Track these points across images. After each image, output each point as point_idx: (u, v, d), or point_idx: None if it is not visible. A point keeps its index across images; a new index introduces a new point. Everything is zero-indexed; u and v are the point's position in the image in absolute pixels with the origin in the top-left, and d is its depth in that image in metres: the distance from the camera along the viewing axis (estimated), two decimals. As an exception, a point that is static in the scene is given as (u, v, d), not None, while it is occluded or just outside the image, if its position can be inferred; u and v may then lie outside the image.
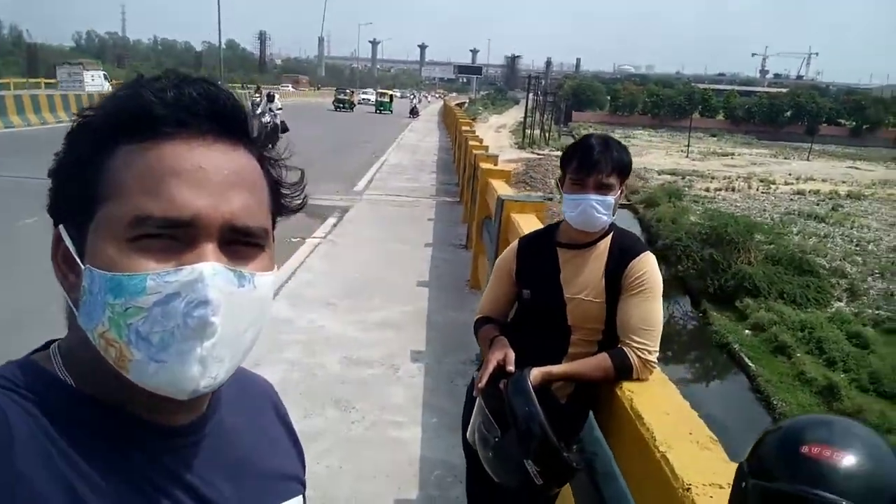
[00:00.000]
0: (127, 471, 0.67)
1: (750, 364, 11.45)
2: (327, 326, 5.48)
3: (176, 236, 0.64)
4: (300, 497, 0.86)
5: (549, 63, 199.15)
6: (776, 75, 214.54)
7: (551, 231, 2.25)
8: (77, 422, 0.65)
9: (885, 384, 10.95)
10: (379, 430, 3.88)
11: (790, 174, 35.98)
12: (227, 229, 0.66)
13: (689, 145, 47.68)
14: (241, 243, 0.68)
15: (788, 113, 72.51)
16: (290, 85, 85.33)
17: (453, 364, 4.91)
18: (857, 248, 20.56)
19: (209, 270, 0.63)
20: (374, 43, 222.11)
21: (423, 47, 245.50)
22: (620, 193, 2.12)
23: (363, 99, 62.12)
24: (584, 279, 2.09)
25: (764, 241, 17.95)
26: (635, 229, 23.18)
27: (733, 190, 29.56)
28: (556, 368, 1.99)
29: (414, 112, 45.82)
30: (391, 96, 53.88)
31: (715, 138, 58.03)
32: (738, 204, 26.19)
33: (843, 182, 34.43)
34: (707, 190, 27.93)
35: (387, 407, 4.18)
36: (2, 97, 21.48)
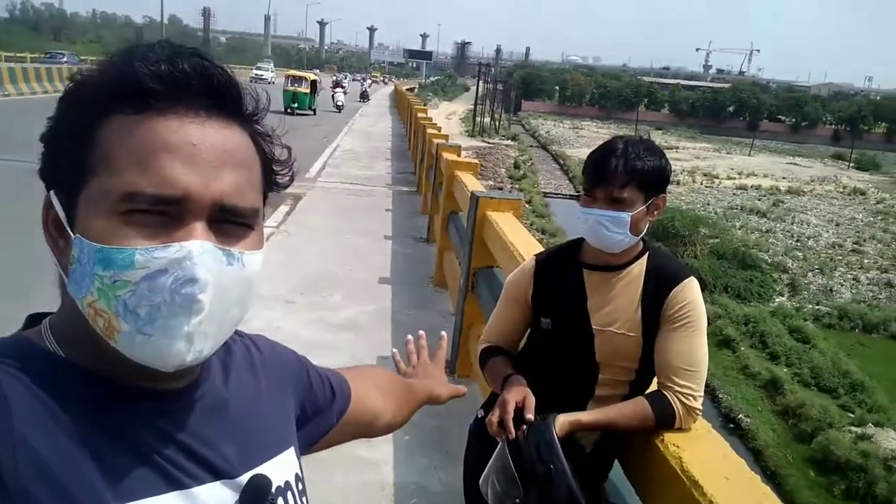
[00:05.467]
0: (121, 435, 0.67)
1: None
2: (285, 327, 5.10)
3: (166, 213, 0.64)
4: (292, 448, 0.88)
5: (498, 51, 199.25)
6: (719, 70, 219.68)
7: (574, 248, 1.92)
8: (68, 390, 0.66)
9: (825, 378, 11.30)
10: (346, 449, 3.50)
11: (733, 169, 36.81)
12: (217, 208, 0.66)
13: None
14: (230, 222, 0.68)
15: (731, 108, 74.16)
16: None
17: (422, 371, 4.59)
18: (798, 244, 21.14)
19: (198, 249, 0.64)
20: (323, 23, 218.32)
21: (372, 30, 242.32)
22: (651, 209, 1.79)
23: (258, 76, 45.21)
24: (615, 308, 1.79)
25: (709, 235, 18.26)
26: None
27: (678, 183, 30.00)
28: (585, 416, 1.70)
29: (364, 96, 44.83)
30: (314, 83, 28.22)
31: (661, 131, 58.85)
32: (683, 197, 26.62)
33: (784, 178, 35.41)
34: (654, 183, 28.21)
35: (354, 421, 3.85)
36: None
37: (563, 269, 1.90)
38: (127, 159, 0.64)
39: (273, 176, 0.78)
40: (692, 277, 1.79)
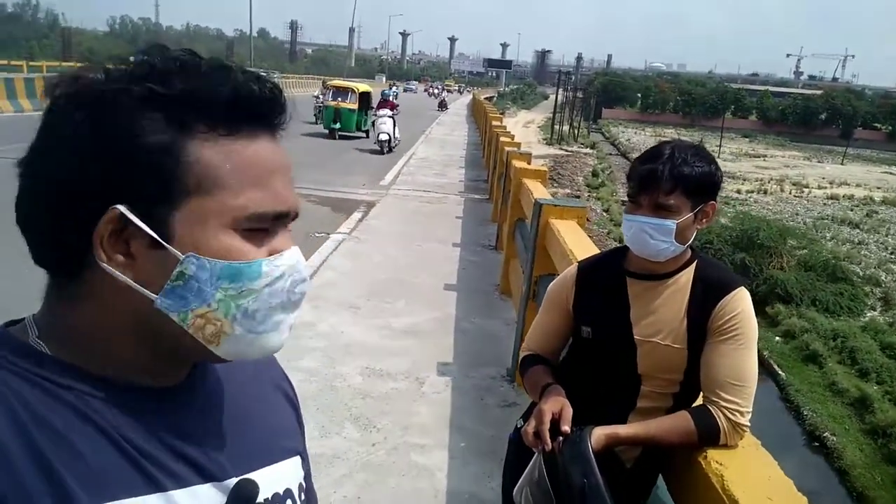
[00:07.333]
0: (107, 435, 0.66)
1: (779, 372, 11.09)
2: (349, 332, 5.16)
3: (269, 225, 0.70)
4: (298, 458, 0.87)
5: (579, 58, 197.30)
6: (811, 77, 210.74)
7: (619, 256, 1.86)
8: (52, 387, 0.65)
9: (919, 398, 10.52)
10: (402, 455, 3.56)
11: (824, 178, 35.23)
12: (293, 218, 0.73)
13: (720, 145, 46.86)
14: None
15: (823, 115, 70.83)
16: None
17: (482, 378, 4.57)
18: (893, 256, 19.97)
19: (299, 252, 0.73)
20: (405, 35, 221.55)
21: (452, 40, 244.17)
22: (699, 217, 1.71)
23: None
24: (660, 318, 1.72)
25: (797, 247, 17.46)
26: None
27: (765, 192, 28.95)
28: (623, 429, 1.64)
29: (443, 105, 44.96)
30: (364, 96, 21.31)
31: (747, 139, 56.83)
32: (770, 207, 25.63)
33: (879, 188, 33.62)
34: (739, 192, 27.39)
35: (411, 427, 3.85)
36: (31, 80, 21.46)
37: (606, 276, 1.84)
38: (243, 180, 0.68)
39: None
40: (742, 288, 1.70)
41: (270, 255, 0.70)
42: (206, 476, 0.73)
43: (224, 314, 0.68)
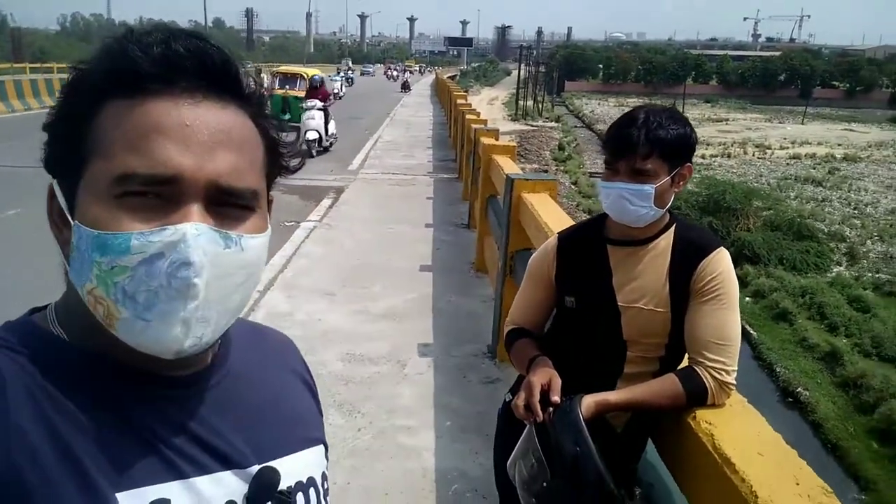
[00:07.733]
0: (126, 421, 0.66)
1: (751, 332, 11.30)
2: (326, 319, 5.13)
3: (161, 195, 0.63)
4: (321, 446, 0.85)
5: (540, 33, 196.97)
6: (768, 39, 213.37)
7: (598, 224, 1.85)
8: (72, 375, 0.65)
9: (887, 348, 10.93)
10: (388, 438, 3.55)
11: (785, 138, 35.82)
12: (213, 189, 0.64)
13: (683, 112, 47.14)
14: (229, 205, 0.66)
15: (782, 76, 71.73)
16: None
17: (463, 357, 4.57)
18: (856, 212, 20.39)
19: (192, 231, 0.62)
20: (363, 17, 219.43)
21: (412, 20, 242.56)
22: (676, 180, 1.70)
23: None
24: (642, 283, 1.72)
25: (762, 207, 17.75)
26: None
27: (729, 156, 29.35)
28: (612, 395, 1.64)
29: (405, 87, 44.78)
30: (295, 78, 18.32)
31: (709, 104, 57.38)
32: (735, 170, 26.01)
33: (839, 145, 34.24)
34: (703, 157, 27.68)
35: (395, 410, 3.84)
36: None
37: (587, 245, 1.83)
38: (120, 143, 0.63)
39: (278, 158, 0.75)
40: (722, 248, 1.70)
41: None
42: (227, 463, 0.72)
43: (105, 292, 0.62)
